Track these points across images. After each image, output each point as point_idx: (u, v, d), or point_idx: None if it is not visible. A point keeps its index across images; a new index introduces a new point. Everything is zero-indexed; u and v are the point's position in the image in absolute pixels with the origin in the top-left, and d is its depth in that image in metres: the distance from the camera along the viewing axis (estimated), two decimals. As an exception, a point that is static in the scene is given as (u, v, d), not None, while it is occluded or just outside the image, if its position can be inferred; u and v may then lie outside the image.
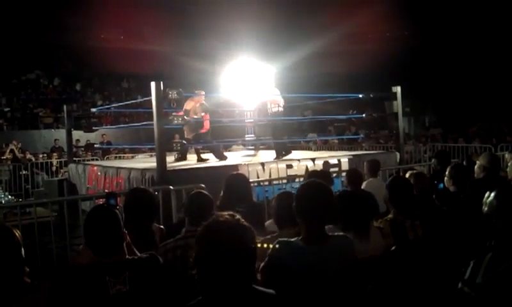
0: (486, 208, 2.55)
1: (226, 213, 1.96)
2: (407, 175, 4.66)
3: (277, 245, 2.63)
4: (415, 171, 4.90)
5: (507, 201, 2.48)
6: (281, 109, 9.40)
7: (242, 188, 4.14)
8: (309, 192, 2.73)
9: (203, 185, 5.60)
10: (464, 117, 19.18)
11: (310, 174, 4.94)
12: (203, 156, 9.40)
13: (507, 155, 4.91)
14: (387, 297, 2.41)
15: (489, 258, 2.31)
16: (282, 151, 9.15)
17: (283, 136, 9.65)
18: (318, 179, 3.28)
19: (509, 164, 4.87)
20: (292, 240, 2.68)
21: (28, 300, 2.30)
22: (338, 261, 2.57)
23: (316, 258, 2.56)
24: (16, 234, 2.43)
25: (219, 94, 10.19)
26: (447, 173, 4.68)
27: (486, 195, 2.61)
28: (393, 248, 2.58)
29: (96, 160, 14.16)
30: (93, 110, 14.48)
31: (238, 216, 1.96)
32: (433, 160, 6.36)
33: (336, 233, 2.77)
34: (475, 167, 4.93)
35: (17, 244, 2.39)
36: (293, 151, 9.62)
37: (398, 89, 9.75)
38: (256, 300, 1.85)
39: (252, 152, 11.87)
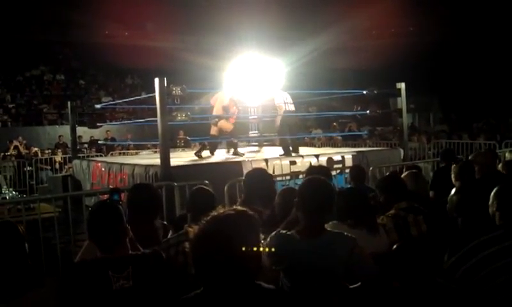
0: (448, 205, 2.88)
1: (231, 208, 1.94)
2: (403, 175, 4.65)
3: (273, 235, 2.69)
4: (413, 171, 4.87)
5: (466, 197, 2.81)
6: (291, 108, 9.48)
7: (265, 186, 3.68)
8: (311, 187, 2.76)
9: (206, 182, 5.60)
10: (470, 113, 19.10)
11: (308, 170, 4.89)
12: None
13: (507, 154, 4.88)
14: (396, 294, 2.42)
15: (449, 249, 2.65)
16: (289, 149, 9.22)
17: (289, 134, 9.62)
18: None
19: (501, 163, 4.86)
20: (289, 232, 2.72)
21: (32, 294, 2.31)
22: (328, 258, 2.57)
23: (307, 251, 2.59)
24: (20, 229, 2.44)
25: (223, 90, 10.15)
26: (452, 170, 4.70)
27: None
28: (395, 246, 2.57)
29: (101, 156, 14.19)
30: (97, 106, 14.49)
31: (244, 209, 1.94)
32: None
33: (336, 230, 2.77)
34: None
35: (21, 239, 2.40)
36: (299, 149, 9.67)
37: (402, 86, 9.71)
38: (255, 295, 1.83)
39: (256, 148, 11.87)
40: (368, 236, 3.05)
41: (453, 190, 2.88)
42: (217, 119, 9.22)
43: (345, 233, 2.71)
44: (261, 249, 1.88)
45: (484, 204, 2.82)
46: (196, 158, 9.19)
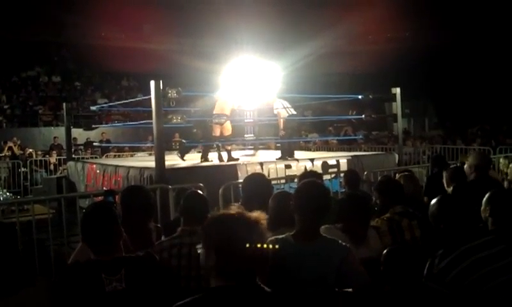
0: (430, 217, 2.90)
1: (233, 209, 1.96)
2: (397, 176, 4.67)
3: (269, 240, 2.68)
4: (407, 173, 4.90)
5: (444, 206, 2.84)
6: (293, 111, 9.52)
7: (264, 191, 3.66)
8: (308, 190, 2.77)
9: (201, 185, 5.60)
10: (465, 118, 19.17)
11: (301, 176, 4.88)
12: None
13: (501, 160, 4.92)
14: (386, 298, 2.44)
15: (440, 254, 2.67)
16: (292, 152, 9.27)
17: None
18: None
19: (510, 166, 4.88)
20: (284, 235, 2.72)
21: (23, 293, 2.30)
22: (322, 264, 2.58)
23: (301, 255, 2.60)
24: (12, 229, 2.44)
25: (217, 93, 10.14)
26: (444, 176, 4.71)
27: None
28: (385, 251, 2.58)
29: (96, 158, 14.16)
30: (93, 108, 14.45)
31: (244, 211, 1.96)
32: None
33: (330, 237, 2.78)
34: (465, 167, 4.89)
35: (13, 238, 2.40)
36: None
37: (397, 91, 9.74)
38: (256, 296, 1.84)
39: (251, 152, 11.87)
40: (354, 242, 3.05)
41: (433, 201, 2.90)
42: (223, 119, 9.02)
43: (340, 241, 2.73)
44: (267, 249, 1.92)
45: (464, 214, 2.83)
46: (191, 160, 9.18)
